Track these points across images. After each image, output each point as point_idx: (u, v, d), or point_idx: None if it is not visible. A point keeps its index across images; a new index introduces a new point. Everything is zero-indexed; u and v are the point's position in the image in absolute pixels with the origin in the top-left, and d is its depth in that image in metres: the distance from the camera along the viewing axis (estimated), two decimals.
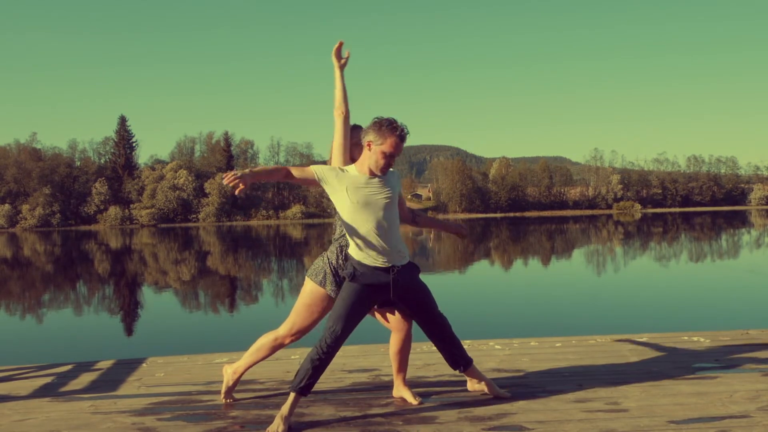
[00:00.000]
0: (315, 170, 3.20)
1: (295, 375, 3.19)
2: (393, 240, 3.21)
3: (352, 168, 3.22)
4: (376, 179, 3.19)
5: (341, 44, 3.48)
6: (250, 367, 3.58)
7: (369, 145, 3.15)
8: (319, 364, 3.13)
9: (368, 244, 3.18)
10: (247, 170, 3.01)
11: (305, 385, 3.14)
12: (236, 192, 3.02)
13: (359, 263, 3.21)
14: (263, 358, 3.56)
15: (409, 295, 3.30)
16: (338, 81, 3.47)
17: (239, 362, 3.58)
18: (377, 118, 3.17)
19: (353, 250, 3.24)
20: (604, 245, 27.71)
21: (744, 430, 2.89)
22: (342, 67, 3.49)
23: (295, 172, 3.19)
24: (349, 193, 3.15)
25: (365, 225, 3.16)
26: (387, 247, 3.19)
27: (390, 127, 3.12)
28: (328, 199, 3.36)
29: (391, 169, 3.27)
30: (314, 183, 3.21)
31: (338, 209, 3.24)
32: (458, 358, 3.43)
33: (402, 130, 3.14)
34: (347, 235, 3.27)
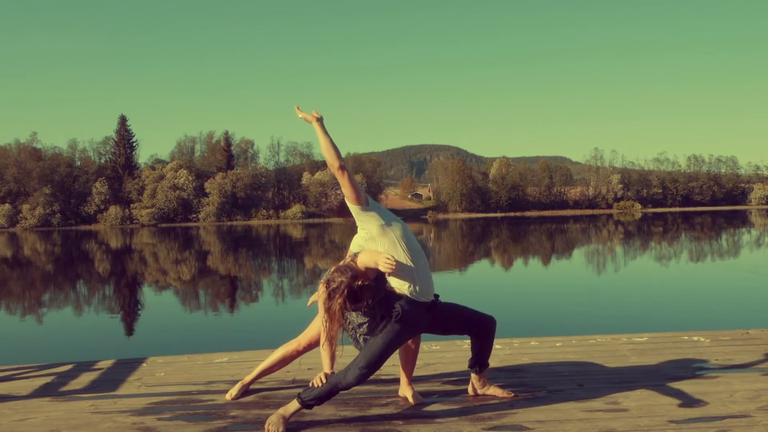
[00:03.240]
0: (370, 200, 3.21)
1: (310, 389, 3.15)
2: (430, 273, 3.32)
3: None
4: None
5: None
6: (270, 372, 3.72)
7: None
8: (336, 391, 3.14)
9: (420, 274, 3.19)
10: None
11: (312, 404, 3.16)
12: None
13: (409, 301, 3.17)
14: (283, 366, 3.71)
15: (442, 324, 3.36)
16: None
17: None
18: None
19: (404, 287, 3.18)
20: (604, 245, 27.70)
21: (744, 429, 2.89)
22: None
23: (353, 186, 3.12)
24: (394, 218, 3.26)
25: (418, 251, 3.23)
26: (430, 279, 3.26)
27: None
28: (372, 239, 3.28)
29: None
30: (360, 195, 3.11)
31: (389, 236, 3.16)
32: (482, 360, 3.48)
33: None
34: (401, 269, 3.16)
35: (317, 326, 3.56)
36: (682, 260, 19.40)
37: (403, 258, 3.16)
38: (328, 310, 3.10)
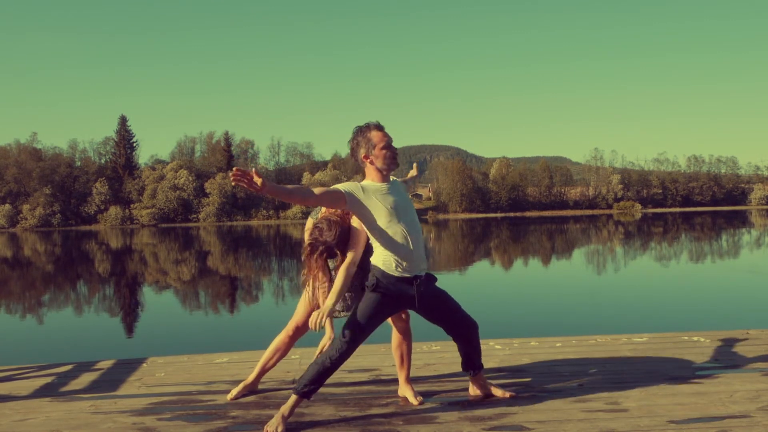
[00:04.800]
0: (340, 187, 3.08)
1: (300, 377, 3.19)
2: (419, 248, 3.21)
3: (368, 182, 3.19)
4: (393, 186, 3.21)
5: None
6: (269, 368, 3.72)
7: (367, 157, 3.16)
8: (325, 370, 3.14)
9: (399, 252, 3.14)
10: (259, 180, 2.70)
11: (309, 390, 3.15)
12: (233, 183, 2.67)
13: (383, 273, 3.17)
14: (280, 358, 3.70)
15: (429, 305, 3.30)
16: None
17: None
18: (355, 130, 3.20)
19: (379, 260, 3.19)
20: (604, 245, 27.70)
21: (744, 429, 2.89)
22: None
23: (317, 190, 2.98)
24: (381, 200, 3.12)
25: (400, 231, 3.14)
26: (414, 256, 3.17)
27: (366, 128, 3.16)
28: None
29: (394, 179, 3.30)
30: (340, 201, 3.05)
31: (369, 221, 3.13)
32: (472, 362, 3.46)
33: (376, 123, 3.20)
34: (376, 245, 3.20)
35: (301, 311, 3.60)
36: (682, 260, 19.40)
37: (383, 235, 3.13)
38: (307, 260, 3.29)
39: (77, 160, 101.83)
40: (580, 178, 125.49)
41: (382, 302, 3.17)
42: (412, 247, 3.15)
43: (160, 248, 34.69)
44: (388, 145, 3.15)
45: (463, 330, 3.37)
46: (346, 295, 3.42)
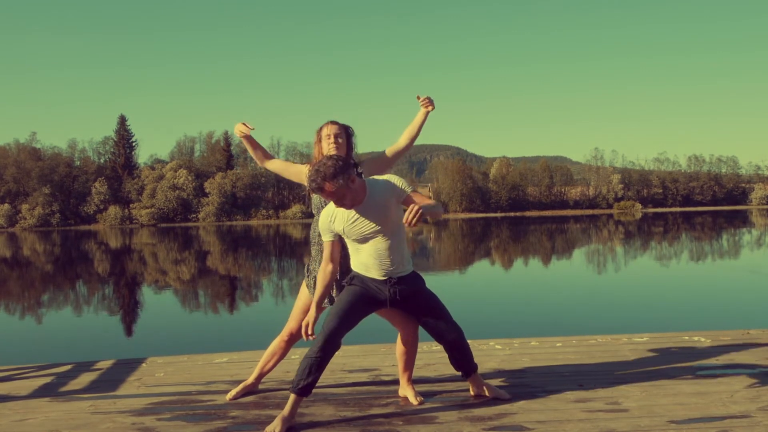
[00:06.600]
0: (327, 238, 3.29)
1: (294, 376, 3.19)
2: (393, 256, 3.26)
3: (338, 209, 3.26)
4: (362, 206, 3.19)
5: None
6: (267, 371, 3.72)
7: None
8: (314, 363, 3.12)
9: (368, 265, 3.27)
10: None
11: (303, 386, 3.13)
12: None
13: (358, 274, 3.32)
14: (277, 362, 3.70)
15: (411, 304, 3.31)
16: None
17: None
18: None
19: (353, 266, 3.35)
20: (604, 245, 27.70)
21: (745, 430, 2.89)
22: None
23: (326, 265, 3.30)
24: (346, 233, 3.25)
25: (364, 253, 3.26)
26: (386, 265, 3.26)
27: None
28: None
29: (378, 181, 3.25)
30: (338, 242, 3.32)
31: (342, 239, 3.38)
32: (463, 366, 3.46)
33: (313, 180, 3.05)
34: (349, 253, 3.38)
35: (295, 317, 3.61)
36: (683, 260, 19.40)
37: (352, 252, 3.32)
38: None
39: (76, 159, 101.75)
40: (581, 178, 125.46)
41: (360, 294, 3.25)
42: (380, 261, 3.24)
43: (160, 248, 34.68)
44: (329, 199, 3.19)
45: (447, 335, 3.35)
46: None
